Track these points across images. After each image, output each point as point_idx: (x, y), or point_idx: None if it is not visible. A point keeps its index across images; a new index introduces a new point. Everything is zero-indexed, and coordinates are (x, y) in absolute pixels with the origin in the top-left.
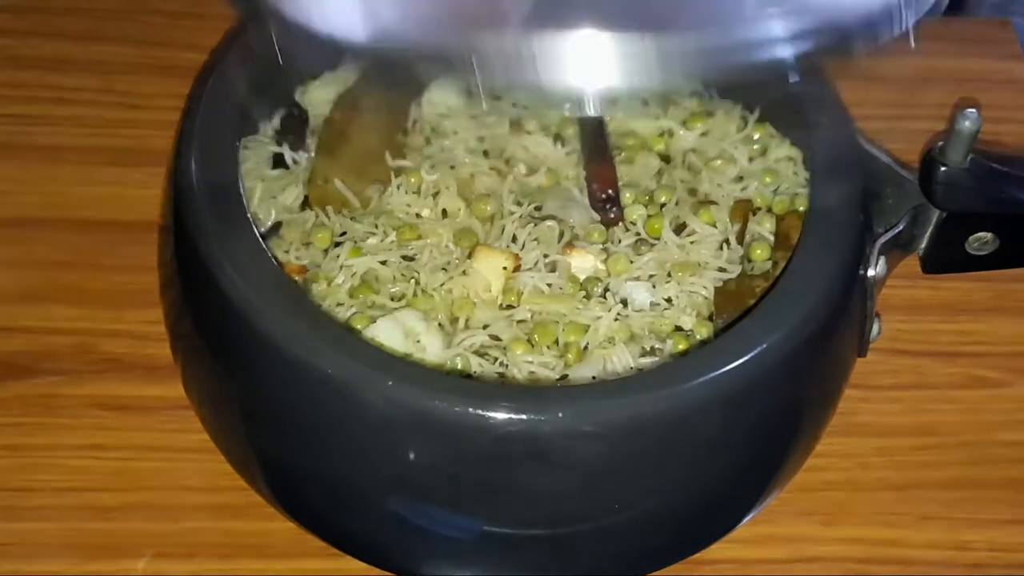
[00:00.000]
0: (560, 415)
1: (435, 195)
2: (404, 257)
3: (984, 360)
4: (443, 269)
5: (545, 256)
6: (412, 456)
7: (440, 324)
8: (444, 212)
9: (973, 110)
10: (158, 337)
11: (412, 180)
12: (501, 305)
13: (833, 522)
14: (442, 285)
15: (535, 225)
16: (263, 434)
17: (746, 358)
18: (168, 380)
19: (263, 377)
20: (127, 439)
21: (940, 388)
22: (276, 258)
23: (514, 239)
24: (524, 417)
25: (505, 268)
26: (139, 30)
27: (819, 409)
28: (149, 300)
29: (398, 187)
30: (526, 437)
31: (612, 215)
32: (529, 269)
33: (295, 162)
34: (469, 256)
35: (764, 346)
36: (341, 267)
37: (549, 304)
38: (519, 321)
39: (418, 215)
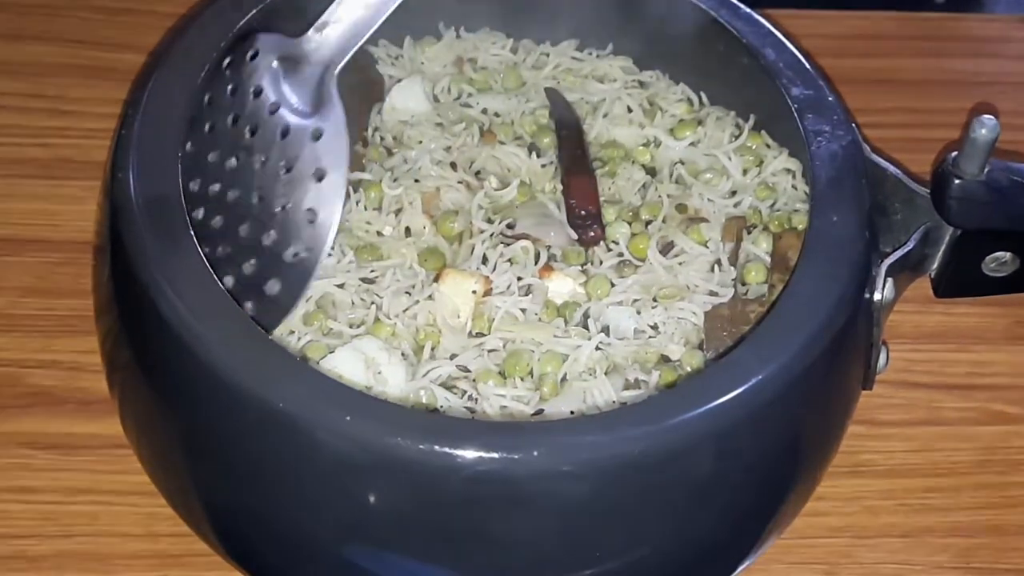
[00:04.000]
0: (535, 453)
1: (398, 211)
2: (363, 280)
3: (1003, 394)
4: (407, 293)
5: (519, 279)
6: (372, 499)
7: (403, 354)
8: (408, 230)
9: (990, 117)
10: (92, 368)
11: (372, 195)
12: (470, 333)
13: (836, 572)
14: (405, 311)
15: (508, 245)
16: (207, 475)
17: (739, 391)
18: (103, 416)
19: (206, 411)
20: (58, 481)
21: (954, 424)
22: (223, 281)
23: (484, 260)
24: (496, 455)
25: (475, 292)
26: (71, 28)
27: (820, 447)
28: (82, 328)
29: (357, 203)
30: (498, 478)
31: (592, 234)
32: (501, 293)
33: None
34: (436, 279)
35: (759, 378)
36: None
37: (523, 332)
38: (490, 351)
39: (379, 233)
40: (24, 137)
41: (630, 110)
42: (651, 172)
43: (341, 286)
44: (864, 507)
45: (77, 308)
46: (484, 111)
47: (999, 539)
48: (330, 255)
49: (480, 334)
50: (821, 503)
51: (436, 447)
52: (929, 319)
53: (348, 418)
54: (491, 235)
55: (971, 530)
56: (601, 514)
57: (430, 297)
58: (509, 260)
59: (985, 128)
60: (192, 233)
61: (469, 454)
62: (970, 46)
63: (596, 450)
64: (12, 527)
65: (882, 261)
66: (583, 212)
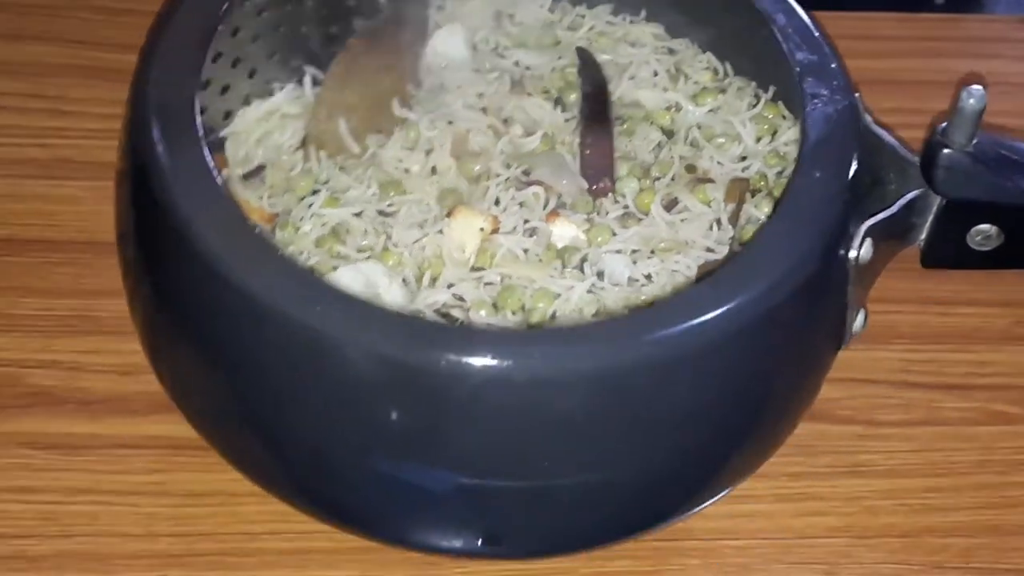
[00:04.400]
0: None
1: (428, 152)
2: (381, 212)
3: (1003, 394)
4: (419, 226)
5: (526, 221)
6: (382, 405)
7: (404, 280)
8: (433, 169)
9: (978, 87)
10: (92, 368)
11: (411, 135)
12: (472, 268)
13: (836, 572)
14: (415, 242)
15: (519, 189)
16: (238, 396)
17: (696, 322)
18: (103, 415)
19: (227, 329)
20: (58, 481)
21: (954, 424)
22: (238, 201)
23: (497, 202)
24: (496, 362)
25: (482, 230)
26: (71, 28)
27: (786, 392)
28: (82, 327)
29: (395, 141)
30: (497, 382)
31: (602, 184)
32: (507, 233)
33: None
34: (448, 215)
35: (724, 308)
36: (312, 215)
37: (521, 269)
38: (487, 284)
39: (407, 170)
40: (24, 137)
41: (656, 74)
42: (668, 134)
43: (359, 215)
44: (864, 507)
45: (77, 308)
46: (516, 63)
47: (999, 539)
48: (355, 187)
49: (481, 268)
50: (822, 503)
51: (420, 350)
52: (929, 319)
53: (318, 308)
54: (506, 179)
55: (971, 530)
56: (570, 423)
57: (440, 232)
58: (521, 203)
59: (973, 98)
60: (206, 153)
61: (475, 360)
62: (970, 46)
63: (579, 360)
64: (12, 527)
65: (862, 222)
66: (597, 165)
